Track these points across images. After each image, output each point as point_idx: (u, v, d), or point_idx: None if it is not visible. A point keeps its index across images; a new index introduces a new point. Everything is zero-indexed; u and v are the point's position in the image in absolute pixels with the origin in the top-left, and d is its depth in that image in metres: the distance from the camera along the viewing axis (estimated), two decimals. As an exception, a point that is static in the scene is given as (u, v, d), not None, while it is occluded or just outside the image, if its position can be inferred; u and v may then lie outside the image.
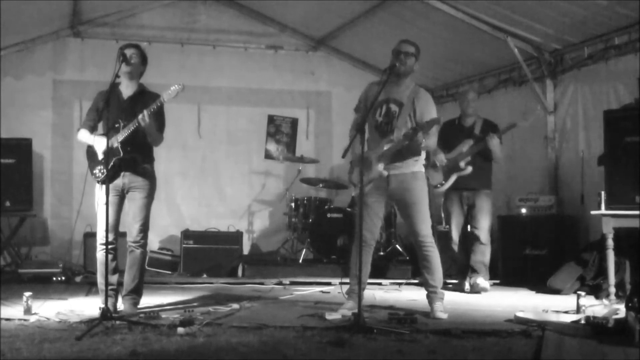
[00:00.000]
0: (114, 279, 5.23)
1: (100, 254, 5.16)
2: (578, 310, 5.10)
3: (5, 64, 8.63)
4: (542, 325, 4.56)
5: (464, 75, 9.06)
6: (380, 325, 4.55)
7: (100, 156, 5.13)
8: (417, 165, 5.32)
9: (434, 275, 5.25)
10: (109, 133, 5.00)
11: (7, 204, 7.62)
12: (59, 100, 8.98)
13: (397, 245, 8.25)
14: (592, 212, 5.93)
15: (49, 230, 8.80)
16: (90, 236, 8.02)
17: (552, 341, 4.22)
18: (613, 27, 6.70)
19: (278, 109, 9.71)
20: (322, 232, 8.32)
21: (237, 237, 8.65)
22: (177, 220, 9.07)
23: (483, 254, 6.88)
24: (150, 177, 5.27)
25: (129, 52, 5.19)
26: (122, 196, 5.23)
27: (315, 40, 9.70)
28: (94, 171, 5.17)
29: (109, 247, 5.10)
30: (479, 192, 6.93)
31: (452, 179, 6.81)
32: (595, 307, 5.30)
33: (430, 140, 5.22)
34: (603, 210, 5.72)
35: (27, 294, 4.98)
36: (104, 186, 5.00)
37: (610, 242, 5.70)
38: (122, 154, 5.08)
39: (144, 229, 5.26)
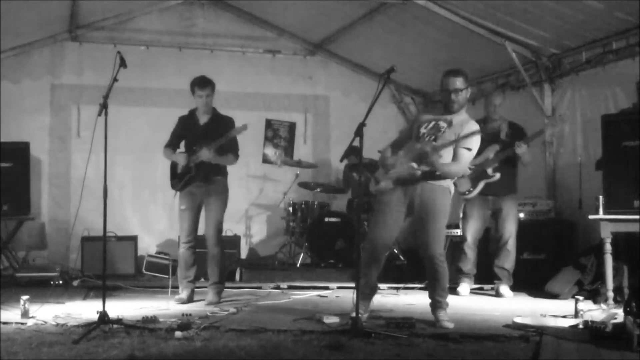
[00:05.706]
0: (191, 272, 6.32)
1: (182, 251, 6.30)
2: (576, 314, 5.10)
3: (2, 68, 8.61)
4: (540, 330, 4.56)
5: (461, 79, 9.04)
6: (378, 330, 4.55)
7: (179, 170, 6.26)
8: (448, 181, 5.06)
9: (442, 289, 5.11)
10: (187, 152, 6.23)
11: (5, 207, 7.64)
12: (57, 104, 8.96)
13: (395, 250, 8.23)
14: (590, 217, 5.92)
15: (46, 234, 8.77)
16: (87, 240, 8.01)
17: (550, 346, 4.22)
18: (611, 31, 6.70)
19: (276, 113, 9.71)
20: (320, 236, 8.31)
21: (234, 241, 8.61)
22: (174, 224, 9.01)
23: (508, 260, 6.83)
24: (222, 190, 6.25)
25: (204, 92, 6.14)
26: (200, 204, 6.25)
27: (313, 45, 9.71)
28: (173, 182, 6.36)
29: (190, 244, 6.29)
30: (506, 197, 6.82)
31: (480, 185, 6.66)
32: (593, 311, 5.29)
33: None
34: (601, 215, 5.72)
35: (25, 297, 4.98)
36: (178, 194, 6.28)
37: (608, 247, 5.70)
38: (193, 173, 6.15)
39: (218, 231, 6.25)
